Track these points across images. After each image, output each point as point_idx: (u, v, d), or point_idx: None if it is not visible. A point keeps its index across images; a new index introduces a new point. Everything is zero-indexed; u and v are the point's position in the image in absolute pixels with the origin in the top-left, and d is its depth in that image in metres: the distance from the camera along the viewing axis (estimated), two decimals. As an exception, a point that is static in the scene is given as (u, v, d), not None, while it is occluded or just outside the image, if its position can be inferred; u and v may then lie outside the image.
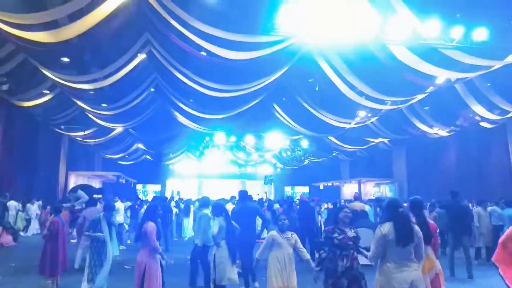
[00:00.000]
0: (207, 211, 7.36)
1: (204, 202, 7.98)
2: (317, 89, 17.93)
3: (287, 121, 20.63)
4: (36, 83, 14.29)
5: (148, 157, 30.88)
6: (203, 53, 11.82)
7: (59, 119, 18.43)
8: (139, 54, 12.78)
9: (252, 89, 14.26)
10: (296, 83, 17.37)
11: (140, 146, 27.24)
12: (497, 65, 10.05)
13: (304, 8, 7.54)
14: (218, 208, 6.34)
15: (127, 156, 29.12)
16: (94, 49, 12.11)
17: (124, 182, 27.78)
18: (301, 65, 13.65)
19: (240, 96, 15.44)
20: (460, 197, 9.23)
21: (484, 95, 14.43)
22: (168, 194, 35.93)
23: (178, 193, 36.26)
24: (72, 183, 23.59)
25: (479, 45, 8.37)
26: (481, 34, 8.14)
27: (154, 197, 14.77)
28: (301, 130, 21.87)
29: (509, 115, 15.22)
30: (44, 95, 15.36)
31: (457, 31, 8.11)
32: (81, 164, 26.15)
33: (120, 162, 29.98)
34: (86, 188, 9.52)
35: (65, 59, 12.39)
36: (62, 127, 20.01)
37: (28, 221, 16.85)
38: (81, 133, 20.75)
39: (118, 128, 20.73)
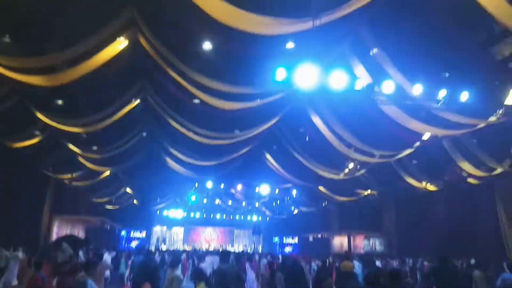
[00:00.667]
0: (179, 273, 6.77)
1: (175, 260, 7.20)
2: (307, 139, 18.20)
3: (278, 170, 20.70)
4: (27, 124, 14.28)
5: (135, 201, 30.36)
6: (197, 101, 12.07)
7: (48, 161, 18.24)
8: (133, 100, 13.00)
9: (244, 137, 14.44)
10: (287, 132, 17.63)
11: (128, 190, 26.87)
12: (481, 124, 10.40)
13: (297, 63, 7.83)
14: (197, 274, 5.89)
15: (113, 200, 28.61)
16: (89, 92, 12.28)
17: (108, 228, 27.07)
18: (292, 114, 13.96)
19: (231, 143, 15.61)
20: (450, 261, 8.84)
21: (470, 152, 14.76)
22: (153, 241, 35.03)
23: (164, 240, 35.39)
24: (55, 227, 22.94)
25: (463, 105, 8.73)
26: (464, 96, 8.53)
27: (138, 248, 13.85)
28: (292, 179, 21.90)
29: (495, 172, 15.48)
30: (34, 136, 15.30)
31: (443, 93, 8.50)
32: (66, 207, 25.53)
33: (107, 207, 29.39)
34: (70, 240, 9.06)
35: (59, 102, 12.50)
36: (50, 168, 19.74)
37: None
38: (69, 176, 20.46)
39: (107, 172, 20.55)
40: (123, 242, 32.79)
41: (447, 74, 10.09)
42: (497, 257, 17.47)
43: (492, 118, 9.84)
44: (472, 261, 15.81)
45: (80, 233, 26.81)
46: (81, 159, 17.56)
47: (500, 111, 9.40)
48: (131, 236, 33.67)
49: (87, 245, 11.46)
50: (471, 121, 10.48)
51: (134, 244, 32.27)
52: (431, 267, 8.92)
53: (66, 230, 24.78)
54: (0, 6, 8.20)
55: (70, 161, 18.53)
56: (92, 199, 27.46)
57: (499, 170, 15.14)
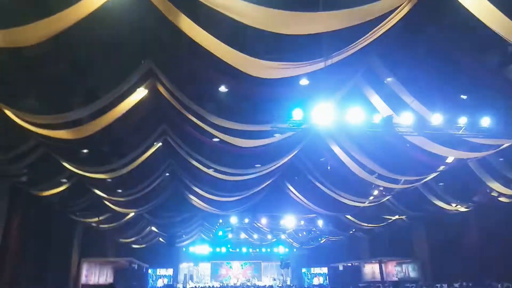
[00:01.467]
0: None
1: None
2: (329, 168, 18.07)
3: (301, 200, 20.52)
4: (54, 174, 14.75)
5: (161, 239, 30.46)
6: (216, 140, 12.27)
7: (75, 206, 18.66)
8: (155, 143, 13.33)
9: (264, 172, 14.48)
10: (308, 162, 17.57)
11: (153, 229, 27.06)
12: (505, 143, 10.17)
13: (313, 100, 7.95)
14: None
15: (140, 240, 28.81)
16: (113, 140, 12.66)
17: (136, 267, 27.11)
18: (312, 144, 13.97)
19: (253, 177, 15.66)
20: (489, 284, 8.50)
21: (498, 171, 14.36)
22: (180, 279, 34.80)
23: (191, 277, 35.10)
24: (84, 270, 23.15)
25: (485, 131, 8.61)
26: (485, 121, 8.43)
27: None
28: (315, 209, 21.63)
29: (527, 190, 14.97)
30: (61, 184, 15.75)
31: (463, 120, 8.45)
32: (93, 250, 25.82)
33: (133, 246, 29.59)
34: None
35: (85, 151, 12.93)
36: (77, 213, 20.16)
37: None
38: (96, 219, 20.82)
39: (131, 212, 20.83)
40: (151, 280, 32.77)
41: (464, 97, 9.99)
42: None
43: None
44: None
45: (108, 274, 26.96)
46: (107, 203, 17.91)
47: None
48: (158, 274, 33.66)
49: None
50: (495, 142, 10.26)
51: (160, 282, 32.15)
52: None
53: (95, 273, 24.98)
54: (24, 66, 8.67)
55: (96, 205, 18.91)
56: (119, 240, 27.74)
57: (531, 188, 14.64)
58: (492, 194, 16.27)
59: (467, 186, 17.02)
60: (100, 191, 16.01)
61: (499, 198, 16.79)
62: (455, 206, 18.94)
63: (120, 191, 17.20)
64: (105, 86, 9.08)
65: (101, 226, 22.47)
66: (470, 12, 6.50)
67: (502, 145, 10.57)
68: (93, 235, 24.60)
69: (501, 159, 14.06)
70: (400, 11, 5.97)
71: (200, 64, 8.64)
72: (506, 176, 14.58)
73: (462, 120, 8.54)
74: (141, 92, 9.61)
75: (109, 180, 15.02)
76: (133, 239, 27.60)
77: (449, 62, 8.94)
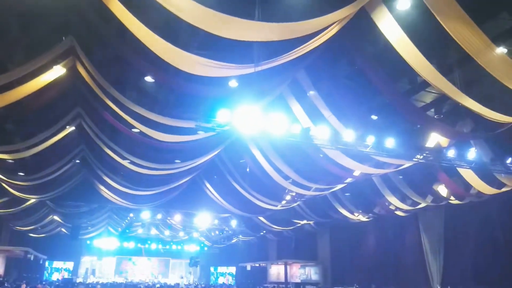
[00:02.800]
0: None
1: None
2: (247, 170, 18.44)
3: (218, 199, 20.62)
4: None
5: (63, 230, 28.44)
6: (136, 130, 11.84)
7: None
8: (67, 127, 12.47)
9: (183, 168, 14.32)
10: (228, 162, 17.75)
11: (56, 218, 25.15)
12: (406, 163, 11.32)
13: (238, 103, 8.10)
14: None
15: (39, 228, 26.59)
16: (20, 119, 11.60)
17: (32, 258, 24.97)
18: (234, 145, 14.16)
19: (171, 173, 15.37)
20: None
21: (397, 187, 15.88)
22: (81, 272, 32.80)
23: (93, 271, 33.26)
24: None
25: (388, 151, 9.54)
26: (390, 142, 9.38)
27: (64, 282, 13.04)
28: (231, 209, 21.88)
29: (419, 206, 16.74)
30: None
31: (371, 139, 9.29)
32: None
33: (31, 235, 27.22)
34: None
35: (-16, 127, 11.66)
36: (-33, 195, 18.04)
37: None
38: (-10, 203, 18.81)
39: (33, 199, 19.16)
40: (48, 273, 30.44)
41: (375, 117, 10.93)
42: (422, 283, 18.69)
43: (415, 159, 10.77)
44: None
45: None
46: (5, 186, 16.26)
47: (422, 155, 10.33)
48: (56, 267, 31.36)
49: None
50: (397, 162, 11.37)
51: (57, 275, 30.00)
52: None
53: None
54: None
55: (-8, 188, 17.11)
56: (15, 227, 25.34)
57: (422, 204, 16.39)
58: (390, 207, 17.89)
59: (369, 199, 18.52)
60: (-1, 172, 14.51)
61: (396, 212, 18.53)
62: (357, 215, 20.47)
63: (22, 174, 15.75)
64: (20, 59, 8.31)
65: (-5, 211, 20.35)
66: (389, 42, 7.18)
67: (402, 165, 11.73)
68: (-16, 220, 22.23)
69: (400, 177, 15.57)
70: (328, 32, 6.38)
71: (127, 49, 8.30)
72: (403, 192, 16.20)
73: (370, 139, 9.39)
74: (58, 70, 8.95)
75: (11, 161, 13.70)
76: (31, 227, 25.39)
77: (365, 85, 9.70)
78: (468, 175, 12.66)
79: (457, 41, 6.73)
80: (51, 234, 28.45)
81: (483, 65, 7.10)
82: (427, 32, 7.71)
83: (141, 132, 11.27)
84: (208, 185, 19.86)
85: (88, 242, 32.83)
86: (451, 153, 10.54)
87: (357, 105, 10.05)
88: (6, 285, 13.92)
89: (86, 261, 34.04)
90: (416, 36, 7.24)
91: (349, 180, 14.58)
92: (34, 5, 7.34)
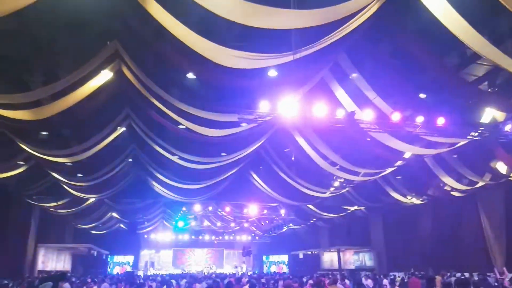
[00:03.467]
0: None
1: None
2: (293, 158, 18.39)
3: (265, 189, 20.77)
4: (11, 155, 14.14)
5: (122, 226, 29.97)
6: (182, 127, 12.17)
7: (32, 190, 18.00)
8: (118, 128, 13.04)
9: (229, 161, 14.54)
10: (273, 152, 17.79)
11: (115, 215, 26.55)
12: (460, 142, 10.76)
13: (280, 92, 8.07)
14: None
15: (100, 226, 28.22)
16: (74, 124, 12.28)
17: (95, 254, 26.57)
18: (277, 135, 14.15)
19: (218, 166, 15.67)
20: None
21: (452, 167, 15.15)
22: (141, 266, 34.48)
23: (152, 264, 34.85)
24: (41, 257, 22.51)
25: (440, 130, 9.10)
26: (441, 120, 8.93)
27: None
28: (279, 198, 21.97)
29: (477, 185, 15.89)
30: (18, 166, 15.14)
31: (420, 119, 8.90)
32: (51, 235, 25.06)
33: (93, 232, 28.95)
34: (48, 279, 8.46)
35: (44, 133, 12.45)
36: (34, 197, 19.47)
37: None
38: (54, 204, 20.19)
39: (92, 198, 20.34)
40: (110, 268, 32.25)
41: (423, 96, 10.46)
42: (484, 266, 17.81)
43: (470, 136, 10.22)
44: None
45: (66, 260, 26.28)
46: (66, 187, 17.39)
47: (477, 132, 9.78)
48: (117, 261, 33.10)
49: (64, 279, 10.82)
50: (450, 140, 10.83)
51: (117, 270, 31.59)
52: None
53: (52, 259, 24.30)
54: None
55: (55, 189, 18.32)
56: (78, 226, 27.05)
57: (480, 184, 15.55)
58: (445, 188, 17.14)
59: (423, 180, 17.83)
60: (59, 175, 15.52)
61: (452, 193, 17.72)
62: (411, 198, 19.81)
63: (80, 175, 16.75)
64: (68, 66, 8.77)
65: (60, 211, 21.82)
66: (433, 16, 6.81)
67: (456, 143, 11.16)
68: (51, 220, 23.87)
69: (455, 156, 14.84)
70: (367, 11, 6.16)
71: (168, 49, 8.51)
72: (459, 172, 15.44)
73: (420, 119, 8.99)
74: (105, 75, 9.36)
75: (69, 164, 14.60)
76: (93, 225, 26.98)
77: (410, 62, 9.30)
78: (530, 149, 11.85)
79: (508, 7, 6.25)
80: (111, 230, 30.07)
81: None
82: (474, 2, 7.24)
83: (187, 128, 11.56)
84: (255, 176, 20.05)
85: (145, 236, 34.38)
86: (508, 127, 9.88)
87: (403, 84, 9.64)
88: (74, 280, 14.93)
89: (145, 255, 35.73)
90: (463, 7, 6.81)
91: (399, 163, 14.10)
92: (78, 14, 7.70)
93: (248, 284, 8.94)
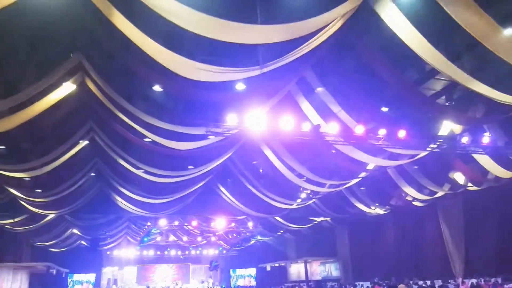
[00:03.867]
0: None
1: None
2: (261, 171, 18.46)
3: (233, 202, 20.66)
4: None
5: (83, 242, 28.79)
6: (147, 140, 11.95)
7: (-15, 207, 17.00)
8: (80, 141, 12.63)
9: (196, 174, 14.40)
10: (240, 165, 17.77)
11: (75, 231, 25.49)
12: (420, 154, 11.21)
13: (249, 104, 8.12)
14: None
15: (59, 243, 26.97)
16: (35, 137, 11.79)
17: (54, 273, 25.31)
18: (245, 148, 14.18)
19: (185, 179, 15.46)
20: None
21: (413, 178, 15.71)
22: (103, 284, 33.18)
23: (115, 281, 33.62)
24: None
25: (402, 142, 9.47)
26: (402, 133, 9.31)
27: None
28: (247, 211, 21.91)
29: (437, 195, 16.55)
30: (-30, 182, 14.30)
31: (382, 132, 9.23)
32: (6, 254, 23.71)
33: (52, 250, 27.63)
34: None
35: (1, 147, 11.86)
36: (-12, 215, 18.41)
37: None
38: (11, 221, 19.15)
39: (52, 214, 19.46)
40: (70, 286, 30.83)
41: (386, 109, 10.84)
42: (445, 274, 18.47)
43: (429, 148, 10.66)
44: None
45: (23, 281, 24.84)
46: (23, 203, 16.54)
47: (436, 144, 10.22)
48: (78, 280, 31.69)
49: None
50: (411, 152, 11.26)
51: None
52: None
53: (7, 279, 22.93)
54: None
55: (12, 205, 17.39)
56: (36, 243, 25.76)
57: (440, 193, 16.20)
58: (407, 198, 17.73)
59: (386, 191, 18.37)
60: (17, 190, 14.75)
61: (413, 202, 18.35)
62: (374, 209, 20.32)
63: (39, 191, 16.01)
64: (30, 79, 8.45)
65: (17, 228, 20.71)
66: (394, 32, 7.13)
67: (417, 155, 11.62)
68: (6, 237, 22.60)
69: (415, 167, 15.42)
70: (331, 27, 6.36)
71: (133, 61, 8.38)
72: (419, 182, 16.02)
73: (382, 131, 9.33)
74: (68, 87, 9.09)
75: (27, 179, 13.95)
76: (52, 242, 25.75)
77: (373, 77, 9.65)
78: (484, 160, 12.49)
79: (463, 26, 6.64)
80: (71, 247, 28.80)
81: (491, 48, 7.00)
82: (431, 20, 7.63)
83: (152, 141, 11.37)
84: (222, 189, 19.91)
85: (108, 252, 33.16)
86: (465, 139, 10.41)
87: (366, 98, 9.98)
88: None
89: (108, 272, 34.39)
90: (421, 24, 7.17)
91: (363, 174, 14.49)
92: (40, 25, 7.47)
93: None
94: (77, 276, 31.51)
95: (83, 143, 12.80)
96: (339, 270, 27.91)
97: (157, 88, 10.06)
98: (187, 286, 33.96)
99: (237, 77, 7.28)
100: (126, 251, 33.64)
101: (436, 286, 16.65)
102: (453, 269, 18.87)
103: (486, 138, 10.54)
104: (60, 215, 20.11)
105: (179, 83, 8.44)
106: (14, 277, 23.81)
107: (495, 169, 12.82)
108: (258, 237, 31.97)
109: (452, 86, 10.77)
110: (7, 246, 23.43)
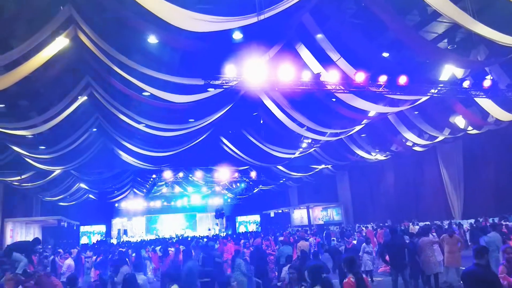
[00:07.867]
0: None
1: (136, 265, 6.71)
2: (261, 122, 18.47)
3: (235, 153, 20.90)
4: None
5: (91, 196, 29.56)
6: (146, 94, 11.85)
7: (-8, 165, 17.27)
8: (79, 97, 12.53)
9: (197, 127, 14.42)
10: (241, 116, 17.76)
11: (83, 186, 26.08)
12: (421, 99, 11.13)
13: (248, 55, 7.97)
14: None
15: (68, 197, 27.70)
16: (33, 94, 11.70)
17: (65, 225, 26.25)
18: (245, 99, 14.08)
19: (186, 132, 15.51)
20: (397, 232, 9.11)
21: (413, 123, 15.74)
22: (114, 234, 34.50)
23: (125, 232, 34.94)
24: (8, 231, 22.01)
25: (403, 88, 9.34)
26: (403, 79, 9.16)
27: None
28: (249, 161, 22.22)
29: (437, 140, 16.67)
30: (-26, 141, 14.42)
31: (383, 78, 9.07)
32: (18, 210, 24.45)
33: (61, 204, 28.44)
34: (19, 247, 8.32)
35: (1, 105, 11.82)
36: (-4, 172, 18.75)
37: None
38: (18, 178, 19.54)
39: (57, 170, 19.80)
40: (82, 237, 32.15)
41: (386, 55, 10.62)
42: (444, 219, 19.06)
43: (430, 93, 10.56)
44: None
45: (36, 233, 25.87)
46: (29, 160, 16.79)
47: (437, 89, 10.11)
48: (88, 231, 32.98)
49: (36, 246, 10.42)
50: (411, 98, 11.17)
51: (85, 240, 31.51)
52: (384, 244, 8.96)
53: (21, 232, 23.85)
54: None
55: (18, 162, 17.66)
56: (45, 198, 26.47)
57: (440, 138, 16.30)
58: (407, 144, 17.87)
59: (386, 137, 18.48)
60: (21, 148, 14.91)
61: (414, 148, 18.53)
62: (375, 155, 20.55)
63: (43, 148, 16.18)
64: (21, 35, 8.24)
65: (24, 185, 21.18)
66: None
67: (417, 100, 11.54)
68: (16, 194, 23.21)
69: (416, 113, 15.39)
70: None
71: (126, 12, 8.11)
72: (420, 128, 16.07)
73: (383, 78, 9.18)
74: (61, 42, 8.87)
75: (30, 136, 14.04)
76: (60, 196, 26.44)
77: (373, 22, 9.35)
78: (485, 103, 12.42)
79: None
80: (80, 201, 29.63)
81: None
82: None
83: (151, 95, 11.28)
84: (224, 140, 20.07)
85: (116, 205, 34.16)
86: (466, 83, 10.27)
87: (366, 44, 9.73)
88: (45, 253, 14.76)
89: (117, 223, 35.66)
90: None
91: (364, 121, 14.47)
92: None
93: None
94: (89, 228, 32.80)
95: (82, 99, 12.70)
96: (340, 214, 28.81)
97: (152, 40, 9.80)
98: (195, 233, 35.30)
99: (233, 25, 7.06)
100: (134, 203, 34.64)
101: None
102: (452, 211, 19.44)
103: (487, 81, 10.38)
104: (66, 171, 20.47)
105: (174, 33, 8.23)
106: (27, 231, 24.79)
107: (496, 112, 12.78)
108: (261, 186, 32.71)
109: (454, 28, 10.48)
110: (17, 202, 24.09)
